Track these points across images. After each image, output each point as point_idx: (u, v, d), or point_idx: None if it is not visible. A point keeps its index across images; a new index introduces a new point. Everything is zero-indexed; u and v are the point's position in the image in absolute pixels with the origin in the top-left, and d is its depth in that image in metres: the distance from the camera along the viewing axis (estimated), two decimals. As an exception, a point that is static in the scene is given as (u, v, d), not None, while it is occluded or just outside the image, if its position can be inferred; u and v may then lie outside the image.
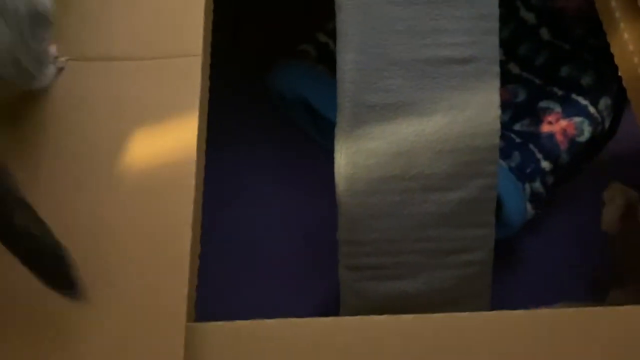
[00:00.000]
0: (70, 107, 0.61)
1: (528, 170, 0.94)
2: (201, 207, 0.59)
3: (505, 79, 1.02)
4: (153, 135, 0.58)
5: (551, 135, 0.97)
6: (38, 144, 0.60)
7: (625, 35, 0.72)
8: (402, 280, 0.78)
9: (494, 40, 0.76)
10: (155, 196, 0.56)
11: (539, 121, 0.99)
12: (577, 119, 0.97)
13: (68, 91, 0.62)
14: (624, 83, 0.73)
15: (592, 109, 0.98)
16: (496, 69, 0.76)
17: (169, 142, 0.58)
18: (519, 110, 1.00)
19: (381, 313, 0.59)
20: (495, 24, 0.76)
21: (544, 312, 0.57)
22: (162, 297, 0.52)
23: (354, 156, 0.75)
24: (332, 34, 0.76)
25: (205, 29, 0.66)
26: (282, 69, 1.00)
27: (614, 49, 0.75)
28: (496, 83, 0.76)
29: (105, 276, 0.52)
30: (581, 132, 0.97)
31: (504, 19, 0.99)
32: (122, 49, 0.63)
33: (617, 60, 0.74)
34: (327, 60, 0.97)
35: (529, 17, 1.05)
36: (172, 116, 0.59)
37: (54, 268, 0.48)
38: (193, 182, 0.56)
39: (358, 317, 0.58)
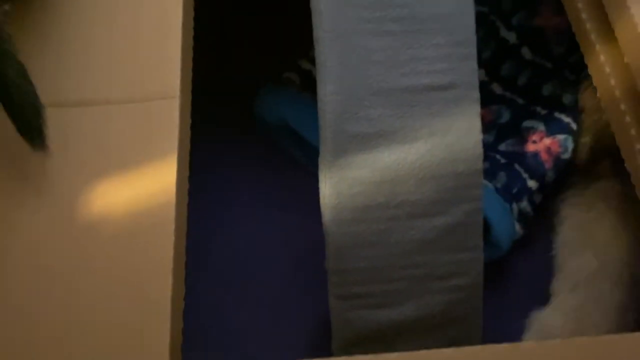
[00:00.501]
0: (47, 152, 0.60)
1: (514, 190, 0.94)
2: (184, 249, 0.59)
3: (489, 99, 1.03)
4: (131, 180, 0.58)
5: (536, 154, 0.97)
6: (16, 189, 0.59)
7: (602, 58, 0.72)
8: (391, 308, 0.77)
9: (472, 65, 0.76)
10: (134, 243, 0.55)
11: (523, 141, 0.99)
12: (561, 137, 0.97)
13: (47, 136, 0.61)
14: (602, 105, 0.73)
15: (574, 126, 0.98)
16: (476, 94, 0.76)
17: (147, 187, 0.58)
18: (503, 131, 1.00)
19: (372, 342, 0.59)
20: (472, 50, 0.76)
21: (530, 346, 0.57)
22: (145, 347, 0.51)
23: (338, 185, 0.75)
24: (315, 61, 0.76)
25: (183, 68, 0.65)
26: (267, 96, 1.00)
27: (591, 71, 0.75)
28: (476, 108, 0.76)
29: (84, 325, 0.52)
30: (565, 150, 0.97)
31: (484, 40, 1.00)
32: (99, 93, 0.62)
33: (595, 83, 0.75)
34: (311, 86, 0.97)
35: (510, 36, 1.05)
36: (150, 161, 0.59)
37: (31, 119, 0.58)
38: (173, 227, 0.56)
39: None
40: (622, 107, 0.69)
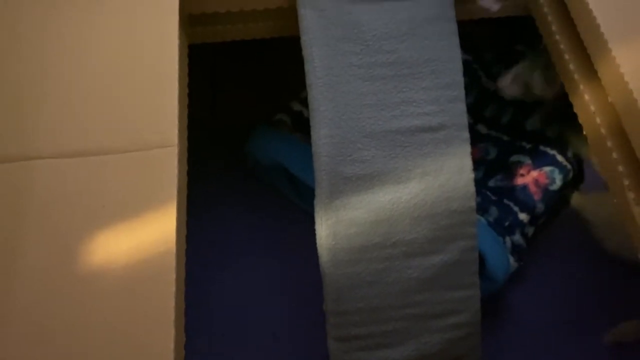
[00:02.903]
0: (48, 203, 0.59)
1: (506, 224, 0.93)
2: (183, 297, 0.57)
3: (476, 139, 1.02)
4: (131, 229, 0.56)
5: (525, 187, 0.97)
6: (16, 240, 0.58)
7: (586, 97, 0.73)
8: (390, 348, 0.75)
9: (461, 107, 0.76)
10: (135, 293, 0.53)
11: (511, 175, 0.98)
12: (547, 168, 0.97)
13: (46, 187, 0.60)
14: (589, 142, 0.73)
15: (560, 158, 0.98)
16: (465, 134, 0.76)
17: (147, 236, 0.56)
18: (491, 167, 1.00)
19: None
20: (461, 92, 0.77)
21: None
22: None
23: (335, 227, 0.74)
24: (305, 103, 0.76)
25: (180, 117, 0.65)
26: (259, 137, 0.99)
27: (576, 110, 0.75)
28: (467, 148, 0.76)
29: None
30: (553, 181, 0.97)
31: (467, 88, 1.01)
32: (97, 143, 0.61)
33: (580, 120, 0.75)
34: (302, 127, 0.98)
35: (490, 84, 1.06)
36: (150, 209, 0.57)
37: None
38: (174, 276, 0.54)
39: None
40: (609, 144, 0.69)
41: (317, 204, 0.75)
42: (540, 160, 0.99)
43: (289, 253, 0.96)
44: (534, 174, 0.97)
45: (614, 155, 0.68)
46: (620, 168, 0.67)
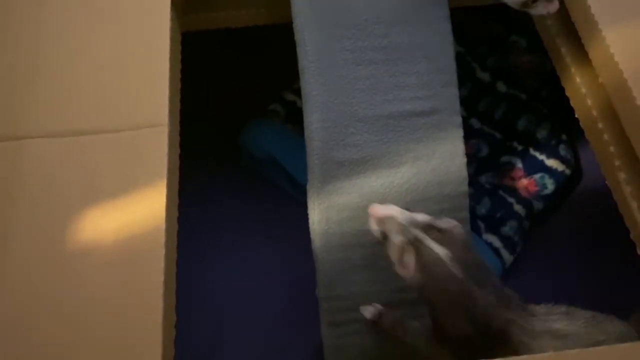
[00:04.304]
0: (39, 181, 0.58)
1: (499, 215, 0.93)
2: (174, 274, 0.56)
3: (468, 134, 1.01)
4: (122, 206, 0.56)
5: (516, 190, 0.97)
6: (8, 218, 0.57)
7: (577, 80, 0.73)
8: (383, 333, 0.75)
9: (454, 91, 0.76)
10: (125, 268, 0.52)
11: (502, 175, 0.99)
12: (537, 176, 0.98)
13: (37, 166, 0.59)
14: (581, 124, 0.73)
15: (550, 162, 0.98)
16: (458, 119, 0.76)
17: (137, 212, 0.55)
18: (482, 164, 1.00)
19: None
20: (453, 76, 0.76)
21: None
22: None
23: (327, 212, 0.73)
24: (299, 92, 0.75)
25: (171, 98, 0.64)
26: (252, 129, 0.99)
27: (568, 93, 0.75)
28: (459, 133, 0.75)
29: (76, 349, 0.49)
30: (544, 187, 0.97)
31: (462, 80, 1.00)
32: (88, 124, 0.61)
33: (572, 103, 0.75)
34: (295, 118, 0.97)
35: (484, 76, 1.06)
36: (140, 187, 0.57)
37: None
38: (163, 251, 0.53)
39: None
40: (600, 125, 0.69)
41: (310, 189, 0.74)
42: (530, 166, 0.99)
43: (283, 243, 0.95)
44: (525, 181, 0.98)
45: (605, 136, 0.68)
46: (612, 149, 0.67)
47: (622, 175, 0.66)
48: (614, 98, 0.65)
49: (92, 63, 0.66)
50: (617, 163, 0.66)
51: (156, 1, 0.70)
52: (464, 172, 0.74)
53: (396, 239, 0.61)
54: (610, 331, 0.62)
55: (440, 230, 0.61)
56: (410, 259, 0.61)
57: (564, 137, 1.00)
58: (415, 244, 0.61)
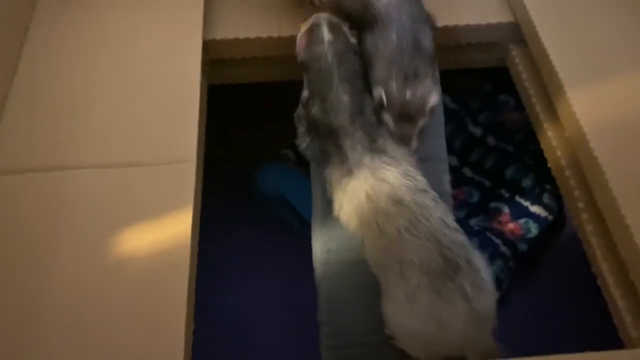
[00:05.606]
0: (83, 205, 0.68)
1: (486, 255, 1.00)
2: (194, 287, 0.65)
3: (461, 181, 1.13)
4: (153, 227, 0.65)
5: (502, 233, 1.06)
6: (58, 235, 0.67)
7: (549, 133, 0.83)
8: (381, 358, 0.81)
9: (442, 142, 0.85)
10: (155, 277, 0.62)
11: (490, 219, 1.07)
12: (522, 220, 1.06)
13: (82, 192, 0.70)
14: (552, 172, 0.83)
15: (534, 208, 1.07)
16: (445, 165, 0.84)
17: (167, 231, 0.65)
18: (473, 209, 1.09)
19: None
20: (441, 130, 0.86)
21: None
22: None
23: (328, 243, 0.81)
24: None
25: (199, 139, 0.74)
26: (266, 171, 1.10)
27: (542, 145, 0.85)
28: (447, 177, 0.84)
29: (110, 347, 0.58)
30: (528, 230, 1.05)
31: (455, 133, 1.10)
32: (128, 157, 0.71)
33: (545, 154, 0.85)
34: (304, 162, 1.07)
35: (476, 130, 1.16)
36: (170, 210, 0.67)
37: None
38: (188, 264, 0.63)
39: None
40: (567, 173, 0.78)
41: (314, 223, 0.83)
42: (516, 211, 1.08)
43: (289, 272, 1.02)
44: (511, 225, 1.07)
45: (571, 182, 0.77)
46: (576, 193, 0.77)
47: (584, 216, 0.75)
48: (577, 149, 0.75)
49: (134, 106, 0.77)
50: (580, 205, 0.76)
51: (190, 60, 0.82)
52: (449, 204, 0.82)
53: (307, 24, 0.79)
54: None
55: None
56: (302, 39, 0.78)
57: (548, 186, 1.09)
58: (313, 28, 0.78)
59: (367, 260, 0.73)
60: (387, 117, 0.74)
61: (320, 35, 0.77)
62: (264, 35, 0.87)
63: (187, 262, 0.63)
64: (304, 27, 0.80)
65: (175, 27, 0.84)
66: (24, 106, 0.76)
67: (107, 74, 0.80)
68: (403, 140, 0.74)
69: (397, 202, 0.69)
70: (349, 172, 0.72)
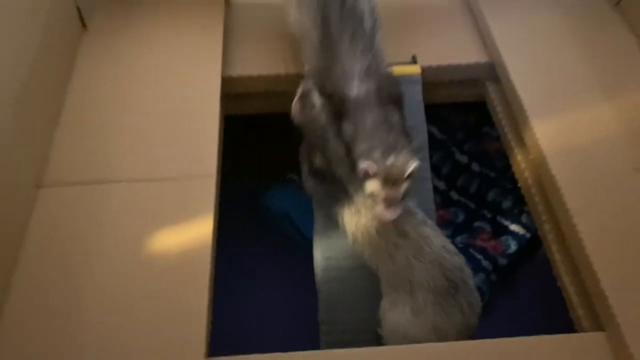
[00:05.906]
0: (120, 213, 0.80)
1: (470, 268, 1.12)
2: (213, 285, 0.76)
3: (448, 203, 1.25)
4: (181, 231, 0.77)
5: (485, 249, 1.17)
6: (98, 237, 0.77)
7: (518, 157, 0.95)
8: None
9: (427, 165, 0.97)
10: (181, 273, 0.74)
11: (474, 237, 1.19)
12: (502, 238, 1.18)
13: (120, 202, 0.81)
14: (522, 191, 0.94)
15: (513, 227, 1.18)
16: (430, 184, 0.96)
17: (191, 234, 0.77)
18: (459, 228, 1.20)
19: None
20: (426, 154, 0.97)
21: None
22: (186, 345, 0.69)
23: (328, 251, 0.92)
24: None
25: (218, 159, 0.86)
26: (273, 192, 1.22)
27: (513, 168, 0.97)
28: (430, 195, 0.95)
29: (141, 330, 0.69)
30: (508, 246, 1.17)
31: (443, 160, 1.20)
32: (159, 172, 0.83)
33: (516, 175, 0.97)
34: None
35: (462, 158, 1.28)
36: (194, 216, 0.78)
37: None
38: (209, 263, 0.74)
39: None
40: (533, 190, 0.90)
41: (315, 233, 0.94)
42: (497, 230, 1.19)
43: (292, 283, 1.13)
44: (492, 242, 1.18)
45: (536, 199, 0.89)
46: (540, 208, 0.88)
47: (547, 226, 0.86)
48: (540, 171, 0.87)
49: (165, 131, 0.89)
50: (544, 217, 0.87)
51: (210, 93, 0.94)
52: (433, 215, 0.93)
53: (299, 92, 0.90)
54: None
55: None
56: (297, 104, 0.89)
57: (525, 208, 1.19)
58: (305, 95, 0.89)
59: (380, 279, 0.86)
60: (374, 184, 0.79)
61: (312, 100, 0.90)
62: (273, 72, 1.00)
63: (209, 259, 0.75)
64: (297, 95, 0.92)
65: (200, 65, 0.97)
66: (72, 128, 0.89)
67: (142, 102, 0.92)
68: (390, 202, 0.79)
69: (403, 235, 0.82)
70: (358, 213, 0.85)
